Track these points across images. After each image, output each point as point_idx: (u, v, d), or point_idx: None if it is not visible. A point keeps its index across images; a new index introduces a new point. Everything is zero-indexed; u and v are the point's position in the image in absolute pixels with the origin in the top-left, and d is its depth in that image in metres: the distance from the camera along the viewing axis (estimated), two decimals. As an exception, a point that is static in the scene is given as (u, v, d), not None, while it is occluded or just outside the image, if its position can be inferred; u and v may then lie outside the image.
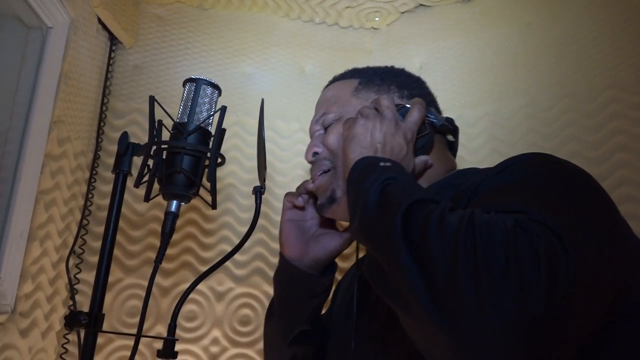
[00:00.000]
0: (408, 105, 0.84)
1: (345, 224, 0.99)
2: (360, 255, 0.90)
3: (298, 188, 0.99)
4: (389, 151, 0.75)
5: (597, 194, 0.62)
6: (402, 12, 1.73)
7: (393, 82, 0.93)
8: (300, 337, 0.95)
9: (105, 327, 0.80)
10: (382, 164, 0.70)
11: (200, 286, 1.43)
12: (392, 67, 0.99)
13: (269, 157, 1.62)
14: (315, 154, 0.92)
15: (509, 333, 0.48)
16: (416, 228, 0.56)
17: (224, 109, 0.86)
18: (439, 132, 0.90)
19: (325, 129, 0.93)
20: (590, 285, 0.52)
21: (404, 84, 0.93)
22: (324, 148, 0.90)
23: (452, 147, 0.94)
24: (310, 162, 0.94)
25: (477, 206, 0.63)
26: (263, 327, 1.06)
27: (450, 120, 0.92)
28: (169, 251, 1.49)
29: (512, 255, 0.50)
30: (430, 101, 0.94)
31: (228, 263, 1.53)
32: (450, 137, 0.93)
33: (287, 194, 0.99)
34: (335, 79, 1.01)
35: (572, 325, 0.51)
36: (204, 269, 1.37)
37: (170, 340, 0.77)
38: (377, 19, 1.76)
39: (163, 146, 0.84)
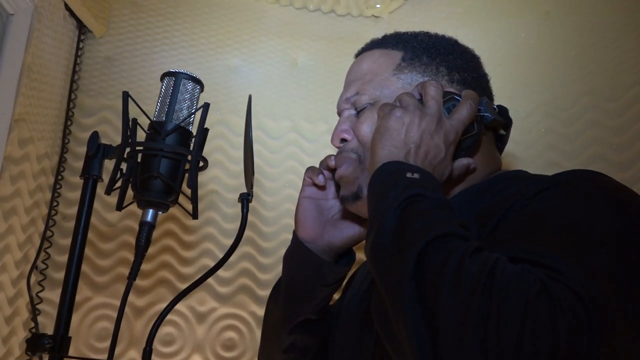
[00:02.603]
0: (458, 98, 0.80)
1: None
2: None
3: (321, 163, 0.98)
4: (422, 154, 0.73)
5: None
6: (406, -1, 1.75)
7: (443, 62, 0.88)
8: (303, 326, 0.95)
9: (71, 352, 0.80)
10: (408, 174, 0.68)
11: (178, 306, 1.43)
12: (442, 39, 0.93)
13: (257, 161, 1.62)
14: (344, 140, 0.90)
15: None
16: (430, 274, 0.56)
17: (206, 107, 0.86)
18: (489, 128, 0.87)
19: (358, 111, 0.89)
20: None
21: (456, 65, 0.88)
22: (354, 137, 0.88)
23: (501, 141, 0.91)
24: (336, 147, 0.92)
25: (507, 231, 0.62)
26: (257, 326, 1.06)
27: (503, 111, 0.88)
28: (144, 266, 1.48)
29: (529, 331, 0.49)
30: (483, 87, 0.90)
31: (210, 280, 1.53)
32: (501, 131, 0.90)
33: (308, 169, 0.98)
34: (373, 45, 0.95)
35: None
36: (183, 286, 1.36)
37: (145, 367, 0.76)
38: (378, 6, 1.77)
39: (138, 148, 0.84)
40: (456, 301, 0.53)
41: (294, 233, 0.97)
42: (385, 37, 0.96)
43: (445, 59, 0.88)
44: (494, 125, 0.86)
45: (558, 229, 0.61)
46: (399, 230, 0.62)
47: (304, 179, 0.98)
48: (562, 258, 0.56)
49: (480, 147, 0.85)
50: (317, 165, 0.99)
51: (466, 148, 0.80)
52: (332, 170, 0.95)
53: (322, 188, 0.98)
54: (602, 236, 0.59)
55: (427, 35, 0.94)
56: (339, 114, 0.93)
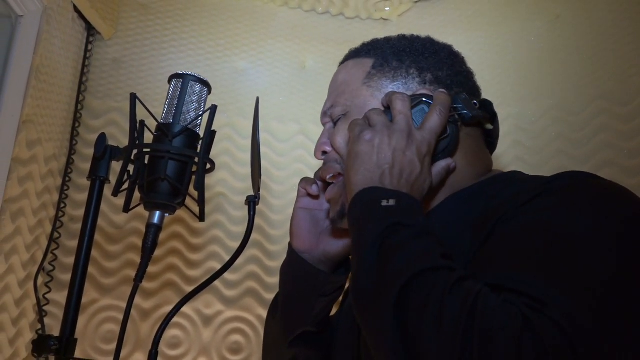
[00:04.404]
0: (428, 100, 0.79)
1: None
2: None
3: (315, 174, 0.97)
4: (397, 173, 0.72)
5: None
6: (416, 2, 1.75)
7: (413, 64, 0.87)
8: (303, 339, 0.95)
9: (77, 353, 0.80)
10: (384, 202, 0.67)
11: (185, 309, 1.43)
12: (415, 41, 0.92)
13: (264, 163, 1.62)
14: (324, 153, 0.91)
15: None
16: (411, 318, 0.55)
17: (214, 109, 0.86)
18: (472, 125, 0.85)
19: (335, 123, 0.90)
20: None
21: (427, 65, 0.87)
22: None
23: (491, 136, 0.89)
24: (320, 160, 0.93)
25: (495, 247, 0.63)
26: (263, 329, 1.06)
27: (486, 105, 0.86)
28: (151, 269, 1.49)
29: None
30: (462, 83, 0.88)
31: (217, 283, 1.53)
32: (488, 126, 0.88)
33: (302, 180, 0.99)
34: (350, 55, 0.96)
35: None
36: (189, 289, 1.36)
37: (150, 370, 0.76)
38: (387, 9, 1.77)
39: (145, 150, 0.84)
40: (439, 345, 0.52)
41: (290, 245, 0.98)
42: (361, 45, 0.96)
43: (416, 60, 0.88)
44: (475, 121, 0.84)
45: (545, 247, 0.59)
46: (378, 269, 0.61)
47: (298, 190, 0.99)
48: (546, 285, 0.55)
49: (464, 145, 0.83)
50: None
51: (442, 151, 0.79)
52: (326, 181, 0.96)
53: (316, 198, 0.98)
54: (591, 256, 0.57)
55: (399, 38, 0.93)
56: (324, 125, 0.95)
